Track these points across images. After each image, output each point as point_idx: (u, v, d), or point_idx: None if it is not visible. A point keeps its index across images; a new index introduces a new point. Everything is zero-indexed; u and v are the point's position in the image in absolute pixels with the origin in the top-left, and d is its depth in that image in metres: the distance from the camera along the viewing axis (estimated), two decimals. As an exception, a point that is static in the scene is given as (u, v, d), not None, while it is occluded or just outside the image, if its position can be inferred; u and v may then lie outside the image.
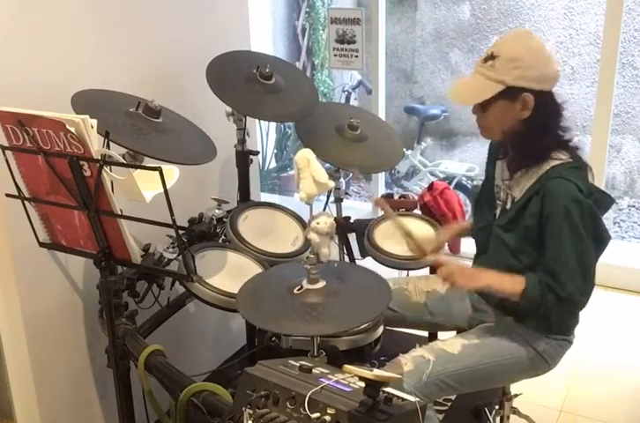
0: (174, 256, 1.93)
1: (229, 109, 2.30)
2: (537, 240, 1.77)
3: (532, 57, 1.71)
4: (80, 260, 1.97)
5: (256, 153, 2.48)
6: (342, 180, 2.41)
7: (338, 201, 2.41)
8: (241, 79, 2.22)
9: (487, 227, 1.93)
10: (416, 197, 2.53)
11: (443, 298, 2.09)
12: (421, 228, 2.34)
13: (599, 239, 1.77)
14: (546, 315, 1.78)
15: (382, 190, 4.19)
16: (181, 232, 1.88)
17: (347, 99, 5.59)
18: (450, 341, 1.88)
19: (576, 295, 1.72)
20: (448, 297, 2.09)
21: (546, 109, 1.75)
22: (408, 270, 2.27)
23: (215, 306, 1.90)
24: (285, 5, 5.70)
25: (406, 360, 1.79)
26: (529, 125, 1.76)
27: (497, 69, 1.71)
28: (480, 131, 1.86)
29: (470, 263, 2.08)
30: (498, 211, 1.92)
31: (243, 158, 2.41)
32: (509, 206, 1.87)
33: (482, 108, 1.78)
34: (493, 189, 1.95)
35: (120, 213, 1.60)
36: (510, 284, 1.78)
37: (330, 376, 1.28)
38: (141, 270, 1.92)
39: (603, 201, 1.81)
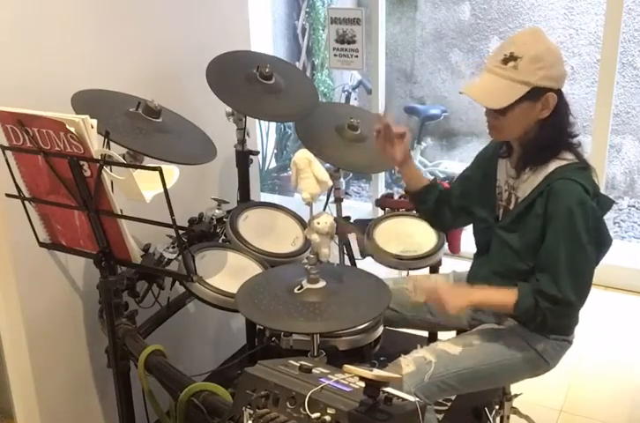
0: (174, 256, 1.94)
1: (229, 109, 2.30)
2: (540, 240, 1.77)
3: (552, 56, 1.71)
4: (80, 260, 1.97)
5: (256, 153, 2.48)
6: (342, 180, 2.41)
7: (338, 201, 2.41)
8: (241, 79, 2.22)
9: (489, 229, 1.93)
10: (416, 197, 2.52)
11: (443, 297, 2.09)
12: (421, 229, 2.33)
13: (601, 242, 1.77)
14: (543, 322, 1.78)
15: (382, 190, 4.19)
16: (181, 232, 1.88)
17: (347, 99, 5.60)
18: (450, 342, 1.88)
19: (571, 297, 1.73)
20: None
21: (562, 108, 1.76)
22: (408, 270, 2.27)
23: (215, 306, 1.90)
24: (285, 5, 5.69)
25: (408, 362, 1.79)
26: (547, 124, 1.75)
27: (521, 70, 1.68)
28: (493, 133, 1.83)
29: (469, 263, 2.08)
30: (501, 213, 1.92)
31: (243, 158, 2.41)
32: (512, 207, 1.87)
33: (502, 110, 1.72)
34: (494, 189, 1.95)
35: (120, 213, 1.60)
36: (502, 298, 1.80)
37: (330, 376, 1.28)
38: (141, 270, 1.92)
39: (604, 203, 1.81)
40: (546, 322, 1.78)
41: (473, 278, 2.03)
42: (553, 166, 1.77)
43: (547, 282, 1.74)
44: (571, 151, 1.79)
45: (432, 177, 2.31)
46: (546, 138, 1.77)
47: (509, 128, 1.78)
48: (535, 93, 1.70)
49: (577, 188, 1.71)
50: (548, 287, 1.74)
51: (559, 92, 1.74)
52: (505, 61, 1.70)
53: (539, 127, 1.76)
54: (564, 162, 1.77)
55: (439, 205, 2.09)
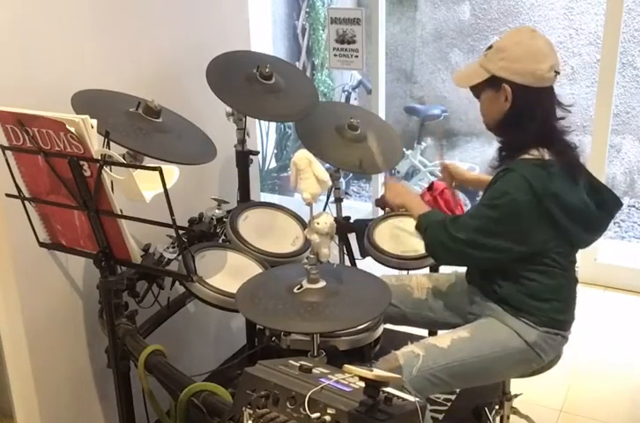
0: (174, 256, 1.94)
1: (229, 109, 2.30)
2: None
3: (518, 51, 1.77)
4: (80, 260, 1.97)
5: (256, 153, 2.48)
6: (342, 180, 2.41)
7: (338, 201, 2.41)
8: (241, 79, 2.22)
9: None
10: (416, 197, 2.53)
11: (444, 295, 2.10)
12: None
13: (528, 239, 1.79)
14: (434, 249, 1.88)
15: (382, 190, 4.18)
16: (181, 232, 1.88)
17: (347, 99, 5.60)
18: (440, 336, 1.90)
19: (463, 237, 1.79)
20: (449, 294, 2.10)
21: (525, 104, 1.79)
22: (408, 270, 2.27)
23: (215, 306, 1.90)
24: (285, 5, 5.69)
25: (397, 356, 1.81)
26: (508, 117, 1.82)
27: (488, 58, 1.81)
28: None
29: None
30: None
31: (243, 158, 2.41)
32: None
33: (476, 96, 1.87)
34: None
35: (120, 213, 1.60)
36: (418, 210, 1.95)
37: (330, 376, 1.28)
38: (141, 270, 1.93)
39: (612, 200, 1.91)
40: (436, 251, 1.89)
41: (469, 271, 2.06)
42: (516, 159, 1.82)
43: (455, 221, 1.83)
44: (549, 148, 1.81)
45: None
46: (509, 131, 1.84)
47: (483, 114, 1.89)
48: (495, 83, 1.80)
49: (521, 182, 1.74)
50: (450, 225, 1.82)
51: (524, 88, 1.77)
52: (486, 49, 1.84)
53: (505, 119, 1.83)
54: (527, 156, 1.80)
55: None
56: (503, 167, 1.82)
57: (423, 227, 1.90)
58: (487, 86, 1.81)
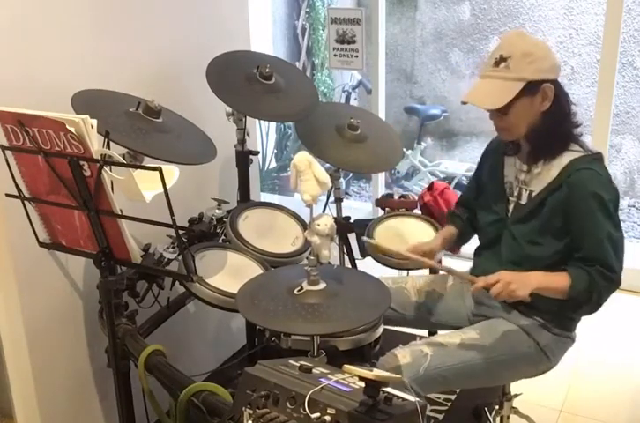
0: (174, 256, 1.94)
1: (229, 109, 2.30)
2: (560, 228, 1.80)
3: (540, 50, 1.77)
4: (80, 260, 1.97)
5: (256, 153, 2.48)
6: (342, 180, 2.42)
7: (338, 201, 2.41)
8: (241, 79, 2.22)
9: (497, 223, 1.94)
10: (416, 197, 2.53)
11: (442, 297, 2.10)
12: (421, 229, 2.34)
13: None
14: (598, 300, 1.78)
15: (382, 190, 4.19)
16: (181, 232, 1.88)
17: (347, 99, 5.60)
18: (449, 335, 1.89)
19: (620, 274, 1.77)
20: (447, 296, 2.09)
21: (562, 97, 1.80)
22: (408, 270, 2.27)
23: (215, 306, 1.90)
24: (285, 5, 5.69)
25: (405, 353, 1.81)
26: (550, 115, 1.79)
27: (513, 68, 1.74)
28: (502, 134, 1.86)
29: (468, 262, 2.08)
30: (511, 208, 1.92)
31: (243, 158, 2.41)
32: (524, 201, 1.87)
33: (504, 110, 1.76)
34: (502, 186, 1.95)
35: (120, 213, 1.60)
36: (558, 280, 1.77)
37: (330, 376, 1.28)
38: (141, 270, 1.93)
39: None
40: (600, 300, 1.79)
41: (482, 272, 2.02)
42: (567, 158, 1.80)
43: (601, 265, 1.75)
44: (577, 142, 1.82)
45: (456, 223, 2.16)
46: (552, 128, 1.80)
47: (515, 126, 1.81)
48: (532, 87, 1.74)
49: (599, 177, 1.77)
50: (602, 271, 1.75)
51: (556, 83, 1.78)
52: (497, 63, 1.76)
53: (543, 119, 1.79)
54: (577, 154, 1.80)
55: (471, 224, 2.12)
56: (566, 173, 1.78)
57: (584, 292, 1.77)
58: (523, 95, 1.73)
